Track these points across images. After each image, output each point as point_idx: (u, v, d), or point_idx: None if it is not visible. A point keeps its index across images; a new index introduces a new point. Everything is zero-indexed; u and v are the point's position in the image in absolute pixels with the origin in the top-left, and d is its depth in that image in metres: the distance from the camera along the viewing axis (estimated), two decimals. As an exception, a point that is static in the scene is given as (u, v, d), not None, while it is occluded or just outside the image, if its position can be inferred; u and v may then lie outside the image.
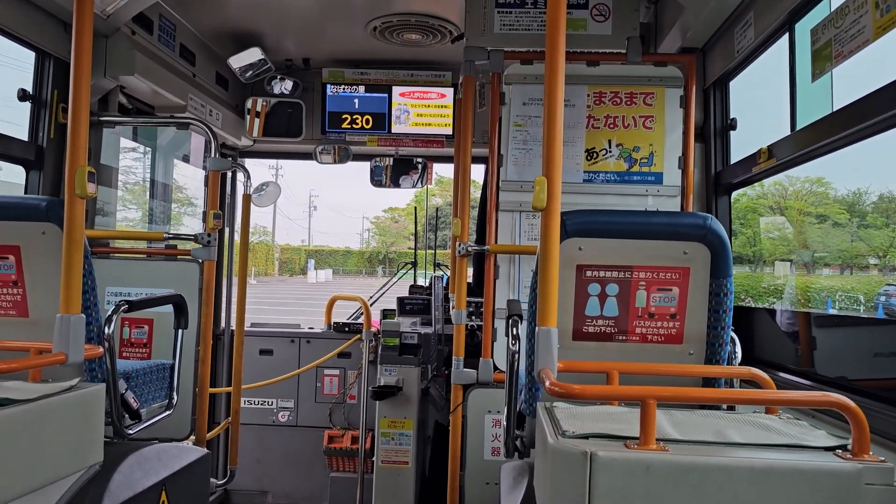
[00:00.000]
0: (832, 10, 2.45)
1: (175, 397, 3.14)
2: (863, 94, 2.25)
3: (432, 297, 4.78)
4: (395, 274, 6.28)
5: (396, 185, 5.37)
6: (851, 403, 1.52)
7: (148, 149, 5.03)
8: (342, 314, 5.58)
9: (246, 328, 5.07)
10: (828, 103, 2.57)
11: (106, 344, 2.52)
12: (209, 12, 4.24)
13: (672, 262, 2.21)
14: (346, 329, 5.24)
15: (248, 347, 5.03)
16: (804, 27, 2.69)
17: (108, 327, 2.53)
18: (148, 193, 5.14)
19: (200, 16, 4.25)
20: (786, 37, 2.86)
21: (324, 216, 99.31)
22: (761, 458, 1.50)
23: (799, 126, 2.77)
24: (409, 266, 5.95)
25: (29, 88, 3.28)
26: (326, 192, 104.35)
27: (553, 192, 1.89)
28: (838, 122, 2.42)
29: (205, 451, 3.17)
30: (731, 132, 3.54)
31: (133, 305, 2.70)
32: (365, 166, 5.36)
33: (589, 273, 2.24)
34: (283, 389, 5.18)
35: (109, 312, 2.59)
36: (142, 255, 3.97)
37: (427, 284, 5.50)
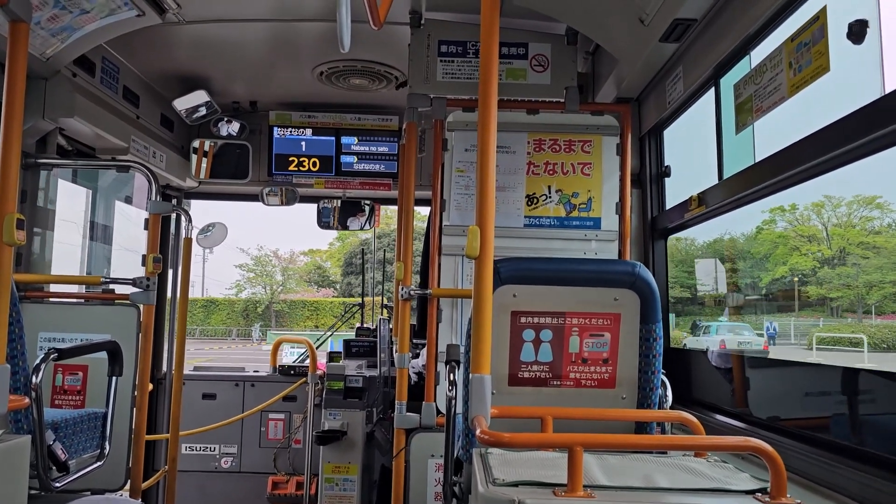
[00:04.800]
0: (752, 67, 2.59)
1: (108, 447, 3.04)
2: (780, 148, 2.37)
3: (378, 340, 4.77)
4: (344, 319, 6.25)
5: (344, 226, 5.41)
6: (768, 448, 1.57)
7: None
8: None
9: (188, 371, 4.96)
10: (751, 154, 2.70)
11: (33, 394, 2.44)
12: (155, 55, 4.23)
13: (603, 308, 2.26)
14: (292, 372, 5.18)
15: (191, 391, 4.92)
16: (728, 82, 2.83)
17: (36, 377, 2.47)
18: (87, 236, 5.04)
19: (146, 59, 4.23)
20: (712, 90, 3.00)
21: (221, 262, 71.46)
22: None
23: (726, 175, 2.89)
24: (357, 309, 5.94)
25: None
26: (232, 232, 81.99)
27: (486, 241, 1.93)
28: (761, 173, 2.54)
29: (138, 502, 3.07)
30: (666, 179, 3.67)
31: (63, 353, 2.64)
32: (293, 207, 5.34)
33: (523, 319, 2.28)
34: (226, 434, 5.07)
35: (38, 361, 2.52)
36: (78, 300, 3.87)
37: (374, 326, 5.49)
